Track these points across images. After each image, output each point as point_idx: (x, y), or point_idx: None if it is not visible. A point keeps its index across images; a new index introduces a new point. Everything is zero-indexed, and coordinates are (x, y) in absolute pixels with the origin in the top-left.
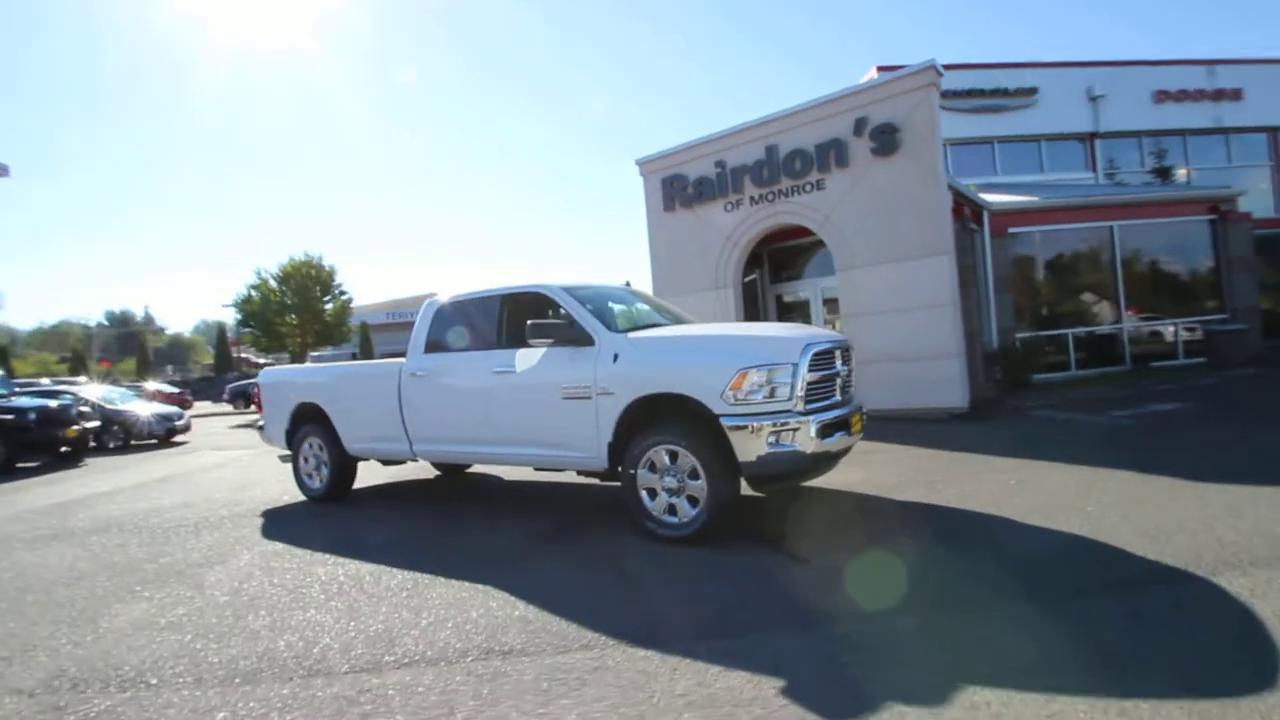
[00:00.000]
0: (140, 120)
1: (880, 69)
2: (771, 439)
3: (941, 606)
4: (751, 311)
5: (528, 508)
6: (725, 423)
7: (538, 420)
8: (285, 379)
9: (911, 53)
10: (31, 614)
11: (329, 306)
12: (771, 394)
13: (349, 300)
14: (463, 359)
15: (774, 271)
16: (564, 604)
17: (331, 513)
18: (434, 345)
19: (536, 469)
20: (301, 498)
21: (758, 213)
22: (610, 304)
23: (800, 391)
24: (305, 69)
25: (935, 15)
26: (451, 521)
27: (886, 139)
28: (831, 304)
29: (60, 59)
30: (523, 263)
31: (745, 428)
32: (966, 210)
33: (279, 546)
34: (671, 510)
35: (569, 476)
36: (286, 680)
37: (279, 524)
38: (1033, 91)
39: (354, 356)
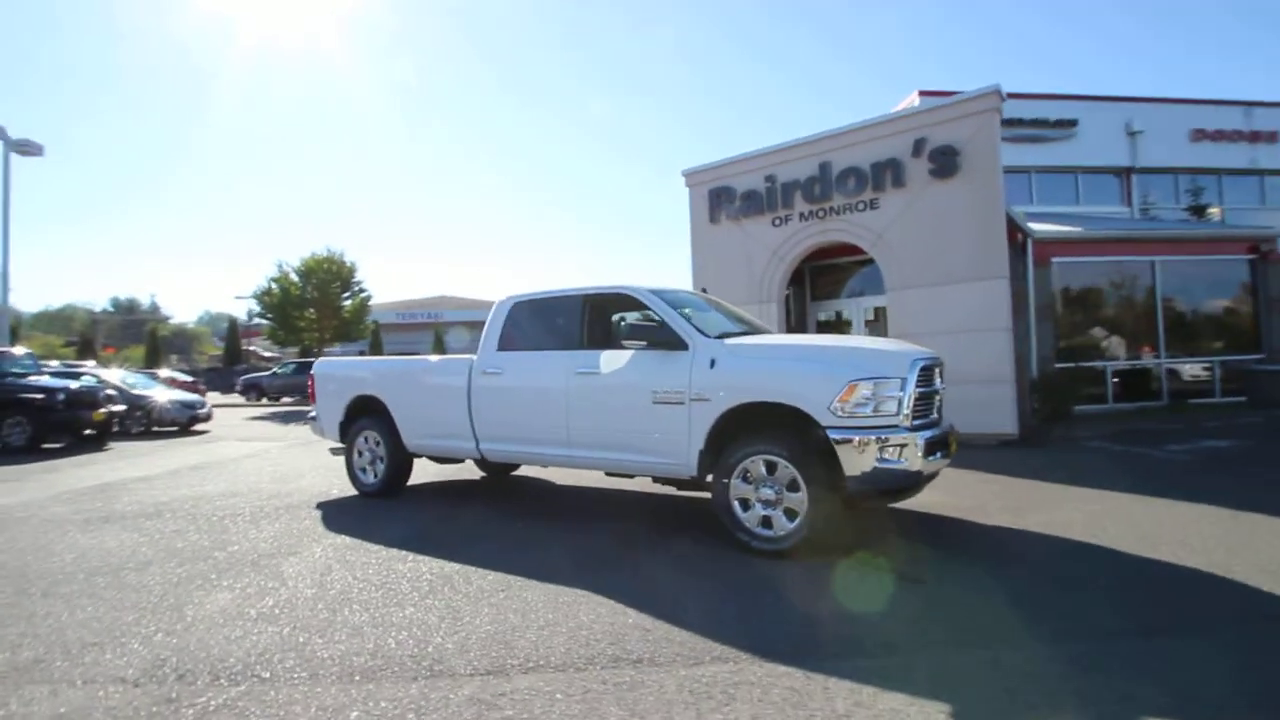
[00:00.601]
0: (151, 113)
1: (923, 94)
2: (880, 454)
3: (1086, 636)
4: (789, 328)
5: (597, 513)
6: (833, 435)
7: (623, 424)
8: (343, 371)
9: (921, 80)
10: (109, 599)
11: (347, 303)
12: (878, 408)
13: (368, 298)
14: (540, 358)
15: (812, 289)
16: (678, 613)
17: (390, 508)
18: (507, 343)
19: (608, 474)
20: (352, 492)
21: (806, 229)
22: (692, 310)
23: (908, 407)
24: (319, 68)
25: (955, 44)
26: (520, 522)
27: (946, 161)
28: (873, 324)
29: (78, 46)
30: (530, 266)
31: (854, 441)
32: (1019, 236)
33: (348, 540)
34: (766, 523)
35: (633, 484)
36: (410, 680)
37: (339, 517)
38: (1073, 123)
39: (362, 355)
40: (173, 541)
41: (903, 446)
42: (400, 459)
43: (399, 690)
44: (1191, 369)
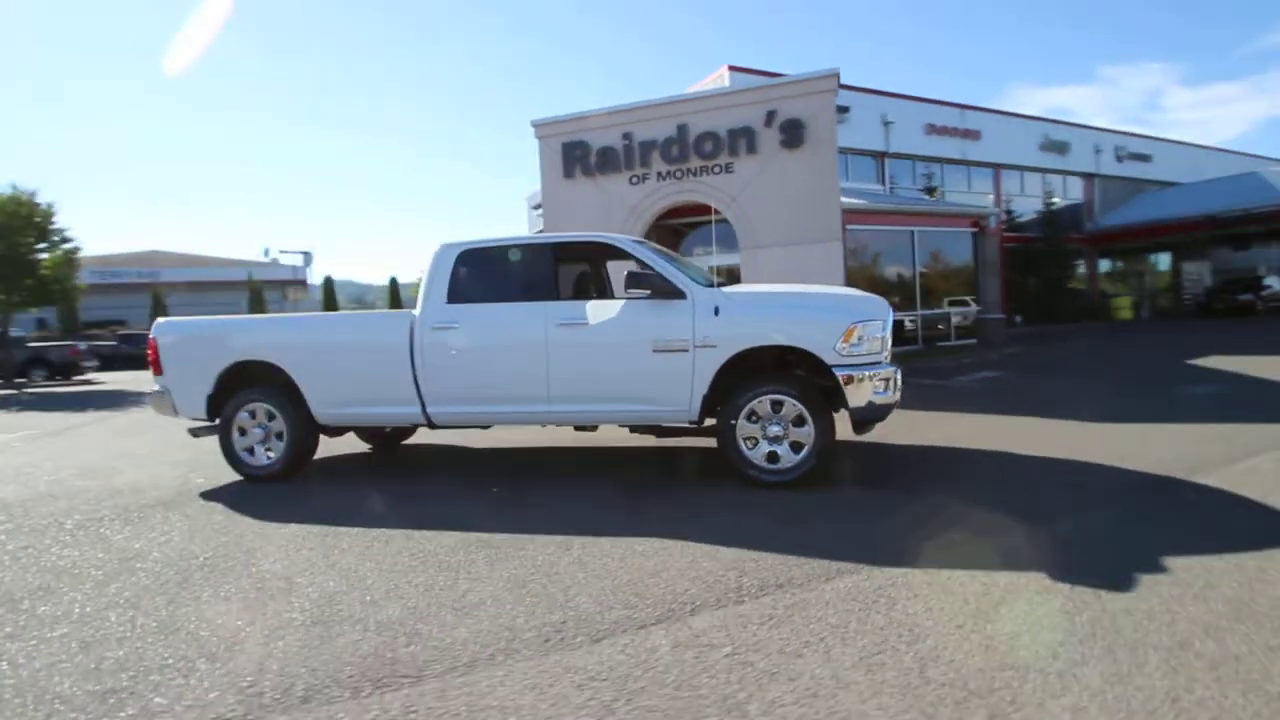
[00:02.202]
0: None
1: (733, 69)
2: (876, 387)
3: (1057, 513)
4: None
5: (559, 471)
6: (839, 373)
7: (618, 375)
8: (210, 332)
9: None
10: (49, 636)
11: (45, 257)
12: (869, 348)
13: (75, 250)
14: (510, 310)
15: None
16: (760, 543)
17: (308, 492)
18: (459, 295)
19: (576, 428)
20: (226, 479)
21: (664, 188)
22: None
23: (889, 346)
24: None
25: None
26: (494, 488)
27: (794, 132)
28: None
29: None
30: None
31: (856, 378)
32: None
33: (311, 529)
34: (771, 458)
35: (560, 438)
36: (594, 641)
37: (255, 507)
38: (845, 109)
39: (41, 324)
40: (44, 559)
41: (888, 380)
42: (306, 434)
43: (595, 655)
44: (936, 319)
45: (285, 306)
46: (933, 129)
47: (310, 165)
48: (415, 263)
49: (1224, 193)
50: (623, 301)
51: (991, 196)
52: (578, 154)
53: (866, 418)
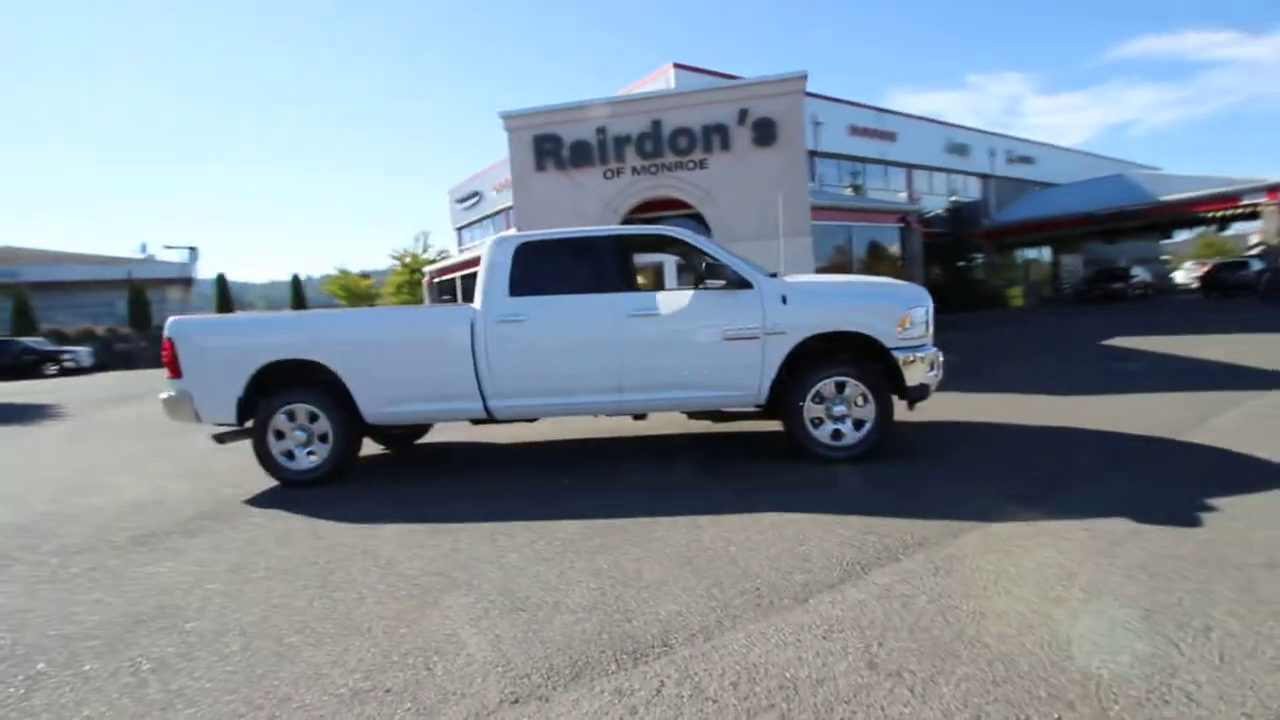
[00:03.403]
0: None
1: (678, 66)
2: (928, 367)
3: (1103, 471)
4: None
5: (598, 460)
6: (897, 354)
7: (694, 363)
8: (240, 331)
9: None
10: (226, 644)
11: None
12: (917, 333)
13: None
14: (579, 302)
15: None
16: (869, 510)
17: (364, 493)
18: (522, 287)
19: (635, 417)
20: (253, 486)
21: (638, 183)
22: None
23: (931, 329)
24: None
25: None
26: (565, 479)
27: (766, 131)
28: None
29: None
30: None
31: (912, 359)
32: None
33: (412, 527)
34: (835, 435)
35: (581, 429)
36: (800, 603)
37: (325, 510)
38: None
39: None
40: (132, 579)
41: (934, 361)
42: (353, 434)
43: (814, 613)
44: None
45: (170, 307)
46: (855, 130)
47: (193, 165)
48: (308, 263)
49: (1098, 193)
50: (693, 291)
51: (904, 194)
52: (549, 147)
53: (918, 396)
